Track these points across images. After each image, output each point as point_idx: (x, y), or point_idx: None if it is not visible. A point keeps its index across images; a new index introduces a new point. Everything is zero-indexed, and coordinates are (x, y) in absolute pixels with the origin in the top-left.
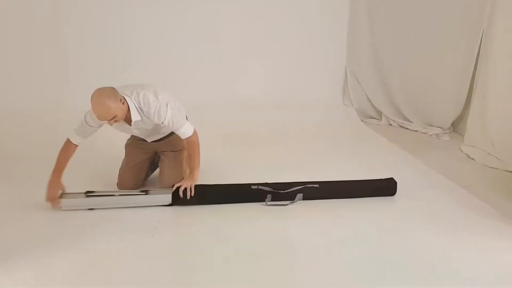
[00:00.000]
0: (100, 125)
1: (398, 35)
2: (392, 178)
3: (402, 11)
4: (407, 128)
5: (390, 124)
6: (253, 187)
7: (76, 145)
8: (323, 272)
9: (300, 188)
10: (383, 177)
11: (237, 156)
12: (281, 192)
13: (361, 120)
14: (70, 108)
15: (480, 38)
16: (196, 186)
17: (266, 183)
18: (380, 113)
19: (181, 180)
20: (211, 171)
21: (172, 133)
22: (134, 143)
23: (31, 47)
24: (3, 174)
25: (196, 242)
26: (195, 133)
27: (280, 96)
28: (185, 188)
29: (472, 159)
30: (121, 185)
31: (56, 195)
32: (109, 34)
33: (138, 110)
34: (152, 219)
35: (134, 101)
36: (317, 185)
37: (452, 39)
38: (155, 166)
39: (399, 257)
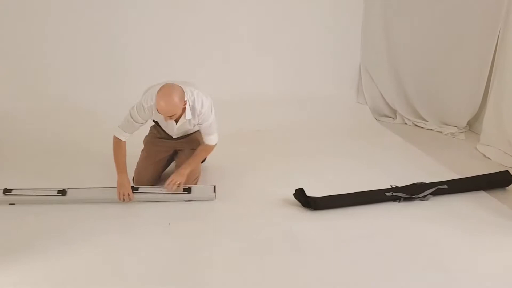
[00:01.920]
0: (146, 121)
1: (413, 32)
2: (507, 171)
3: (418, 8)
4: (422, 127)
5: (405, 123)
6: (387, 193)
7: (125, 141)
8: (332, 270)
9: (434, 191)
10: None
11: (247, 153)
12: (415, 197)
13: (375, 119)
14: (76, 105)
15: (497, 36)
16: (333, 196)
17: (397, 186)
18: (394, 111)
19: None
20: (224, 168)
21: (194, 132)
22: (155, 140)
23: (42, 44)
24: (18, 169)
25: (206, 238)
26: (216, 144)
27: (293, 94)
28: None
29: (488, 158)
30: (138, 181)
31: (128, 192)
32: (118, 30)
33: (191, 109)
34: (165, 215)
35: (189, 99)
36: (446, 186)
37: (468, 37)
38: (169, 162)
39: (411, 256)
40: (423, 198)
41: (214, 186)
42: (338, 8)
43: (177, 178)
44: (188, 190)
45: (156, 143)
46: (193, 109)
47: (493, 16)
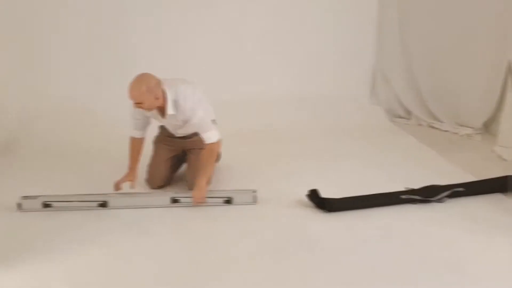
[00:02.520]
0: (146, 116)
1: (428, 31)
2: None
3: (433, 7)
4: (438, 128)
5: (420, 124)
6: (402, 196)
7: (140, 138)
8: (347, 272)
9: (450, 193)
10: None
11: (259, 153)
12: (431, 200)
13: (389, 120)
14: (80, 105)
15: None
16: (348, 198)
17: (412, 189)
18: (409, 112)
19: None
20: (237, 169)
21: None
22: (163, 139)
23: (46, 44)
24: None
25: (218, 239)
26: (219, 142)
27: (305, 93)
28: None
29: (505, 160)
30: (150, 180)
31: (121, 184)
32: (122, 29)
33: (173, 104)
34: (181, 217)
35: (172, 94)
36: (462, 188)
37: (484, 37)
38: (181, 163)
39: (427, 258)
40: (439, 200)
41: (255, 194)
42: (353, 7)
43: (198, 194)
44: (229, 201)
45: (163, 141)
46: (176, 104)
47: (509, 15)
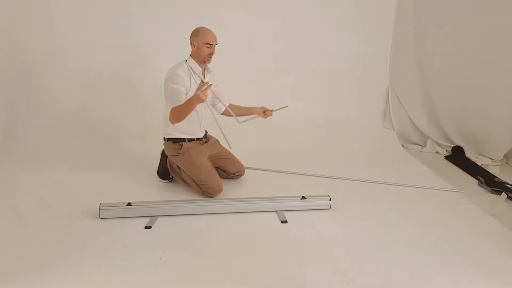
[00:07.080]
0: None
1: (447, 54)
2: None
3: (452, 28)
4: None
5: (437, 152)
6: None
7: None
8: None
9: None
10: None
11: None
12: None
13: (402, 146)
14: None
15: None
16: None
17: None
18: (424, 139)
19: None
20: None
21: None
22: (199, 149)
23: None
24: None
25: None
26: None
27: (314, 116)
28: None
29: None
30: (216, 189)
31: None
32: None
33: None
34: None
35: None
36: None
37: (508, 60)
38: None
39: None
40: None
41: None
42: (367, 27)
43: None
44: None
45: (201, 150)
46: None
47: None
